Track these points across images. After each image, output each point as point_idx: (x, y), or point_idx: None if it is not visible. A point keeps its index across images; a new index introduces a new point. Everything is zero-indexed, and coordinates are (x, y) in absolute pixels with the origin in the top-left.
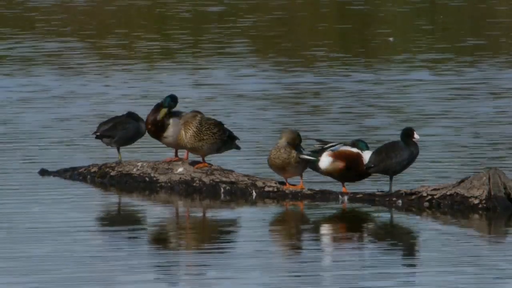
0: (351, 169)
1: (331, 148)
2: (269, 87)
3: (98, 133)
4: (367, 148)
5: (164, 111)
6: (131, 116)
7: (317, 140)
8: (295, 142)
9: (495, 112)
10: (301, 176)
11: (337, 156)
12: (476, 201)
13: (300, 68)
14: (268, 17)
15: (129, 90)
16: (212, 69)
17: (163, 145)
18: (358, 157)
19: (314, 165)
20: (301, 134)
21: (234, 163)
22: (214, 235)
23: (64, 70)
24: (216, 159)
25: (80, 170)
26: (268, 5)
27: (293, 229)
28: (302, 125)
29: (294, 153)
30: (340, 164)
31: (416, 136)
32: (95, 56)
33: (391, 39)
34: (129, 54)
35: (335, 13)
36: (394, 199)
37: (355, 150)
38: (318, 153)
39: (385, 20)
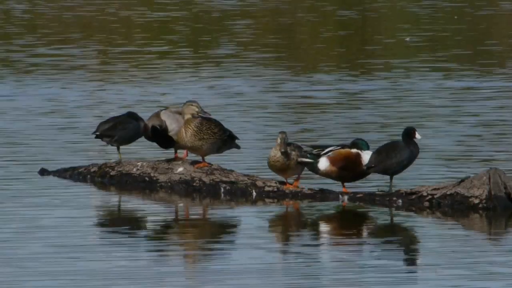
0: (349, 170)
1: (329, 149)
2: (292, 94)
3: (98, 133)
4: (367, 148)
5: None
6: (131, 116)
7: (311, 146)
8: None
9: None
10: (299, 176)
11: (335, 157)
12: (476, 201)
13: (313, 75)
14: (269, 22)
15: (146, 96)
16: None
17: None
18: (357, 157)
19: (312, 167)
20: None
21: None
22: (213, 235)
23: (79, 77)
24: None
25: (80, 170)
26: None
27: (293, 229)
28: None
29: (294, 155)
30: (338, 166)
31: (417, 136)
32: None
33: (407, 39)
34: (165, 61)
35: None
36: (394, 198)
37: (354, 150)
38: (316, 155)
39: (403, 22)
